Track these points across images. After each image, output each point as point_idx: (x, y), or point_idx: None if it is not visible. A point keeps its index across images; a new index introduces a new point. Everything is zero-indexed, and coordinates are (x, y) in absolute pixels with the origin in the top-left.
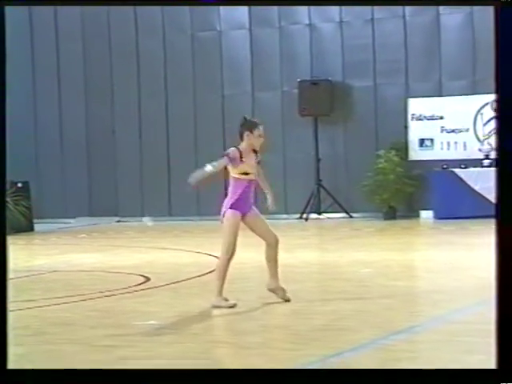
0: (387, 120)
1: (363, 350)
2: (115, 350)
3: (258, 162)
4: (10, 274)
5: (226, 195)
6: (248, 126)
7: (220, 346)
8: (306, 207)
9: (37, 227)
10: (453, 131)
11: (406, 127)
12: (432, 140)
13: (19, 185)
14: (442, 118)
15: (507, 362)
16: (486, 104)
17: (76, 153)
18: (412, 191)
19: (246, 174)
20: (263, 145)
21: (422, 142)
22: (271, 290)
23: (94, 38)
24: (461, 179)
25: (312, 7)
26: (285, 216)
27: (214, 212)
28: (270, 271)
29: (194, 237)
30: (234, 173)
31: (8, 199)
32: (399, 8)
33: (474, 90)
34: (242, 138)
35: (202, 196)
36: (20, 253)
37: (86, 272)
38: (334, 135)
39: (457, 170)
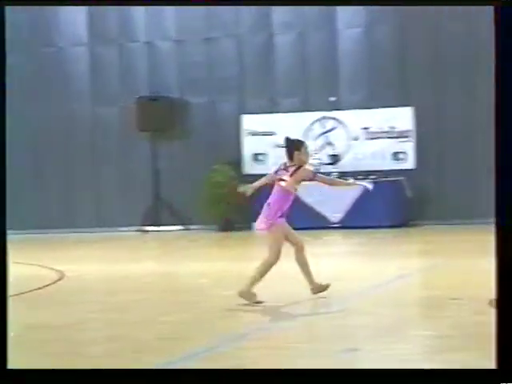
0: (223, 135)
1: (197, 357)
2: None
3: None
4: None
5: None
6: (296, 145)
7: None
8: (144, 219)
9: None
10: None
11: (240, 143)
12: (265, 155)
13: None
14: (274, 133)
15: (507, 361)
16: (316, 120)
17: None
18: (246, 204)
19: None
20: None
21: (255, 156)
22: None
23: None
24: None
25: (151, 24)
26: (124, 228)
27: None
28: (305, 273)
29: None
30: (289, 186)
31: None
32: (235, 27)
33: (305, 107)
34: (292, 158)
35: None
36: None
37: None
38: (173, 150)
39: None
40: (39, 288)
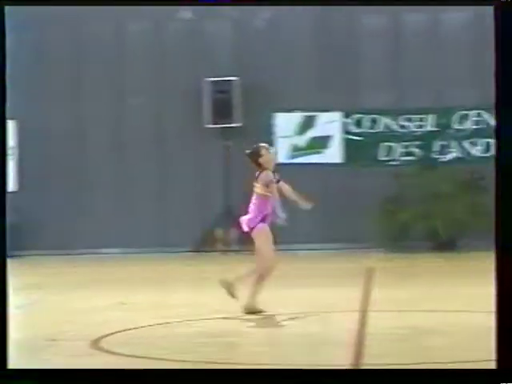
0: None
1: None
2: None
3: (278, 181)
4: None
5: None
6: (256, 152)
7: None
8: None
9: None
10: None
11: None
12: None
13: None
14: None
15: (507, 362)
16: None
17: None
18: None
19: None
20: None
21: None
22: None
23: None
24: None
25: None
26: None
27: None
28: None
29: None
30: (265, 192)
31: None
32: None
33: None
34: (258, 165)
35: None
36: None
37: None
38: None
39: None
40: None
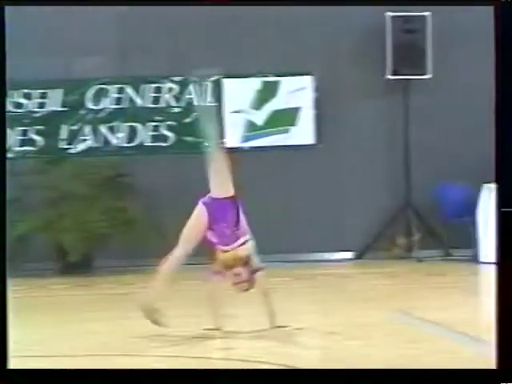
0: None
1: None
2: None
3: None
4: None
5: None
6: None
7: None
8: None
9: None
10: None
11: None
12: None
13: None
14: None
15: (507, 362)
16: None
17: None
18: None
19: None
20: None
21: None
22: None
23: None
24: None
25: None
26: None
27: None
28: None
29: None
30: None
31: None
32: None
33: None
34: None
35: None
36: None
37: None
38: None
39: None
40: None
